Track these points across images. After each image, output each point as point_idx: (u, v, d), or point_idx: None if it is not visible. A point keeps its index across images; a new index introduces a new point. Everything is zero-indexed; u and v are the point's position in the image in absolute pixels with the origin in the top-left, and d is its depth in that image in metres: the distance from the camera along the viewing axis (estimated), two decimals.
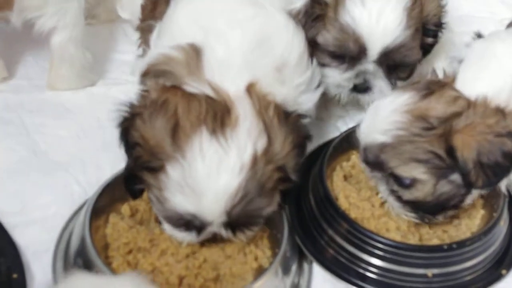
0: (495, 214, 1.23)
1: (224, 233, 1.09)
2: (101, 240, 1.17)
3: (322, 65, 1.37)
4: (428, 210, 1.18)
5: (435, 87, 1.17)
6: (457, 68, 1.22)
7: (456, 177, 1.14)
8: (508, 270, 1.23)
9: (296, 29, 1.22)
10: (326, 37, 1.35)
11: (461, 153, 1.11)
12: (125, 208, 1.23)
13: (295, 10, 1.31)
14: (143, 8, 1.45)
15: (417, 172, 1.14)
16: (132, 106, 1.11)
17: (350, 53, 1.34)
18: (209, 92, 1.07)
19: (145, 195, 1.24)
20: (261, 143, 1.05)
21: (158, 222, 1.23)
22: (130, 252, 1.15)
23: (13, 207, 1.29)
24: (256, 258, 1.17)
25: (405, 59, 1.36)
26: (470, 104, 1.14)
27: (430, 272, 1.15)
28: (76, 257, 1.15)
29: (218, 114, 1.04)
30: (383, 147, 1.15)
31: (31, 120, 1.50)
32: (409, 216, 1.20)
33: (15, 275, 1.14)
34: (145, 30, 1.38)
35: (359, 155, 1.24)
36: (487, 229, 1.19)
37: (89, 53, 1.58)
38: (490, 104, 1.14)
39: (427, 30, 1.38)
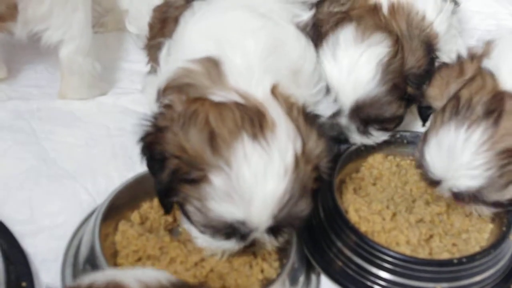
0: (504, 228, 1.23)
1: (267, 238, 1.09)
2: (110, 248, 1.17)
3: None
4: None
5: (498, 103, 1.14)
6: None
7: None
8: None
9: (307, 41, 1.23)
10: None
11: None
12: (134, 216, 1.24)
13: (303, 23, 1.31)
14: (151, 26, 1.44)
15: None
16: (155, 119, 1.09)
17: None
18: (238, 99, 1.06)
19: (155, 202, 1.25)
20: (299, 144, 1.05)
21: (168, 230, 1.24)
22: (139, 260, 1.15)
23: (22, 215, 1.29)
24: (262, 271, 1.17)
25: (381, 113, 1.32)
26: None
27: (439, 286, 1.15)
28: (85, 264, 1.15)
29: (254, 119, 1.03)
30: (477, 189, 1.16)
31: (41, 128, 1.50)
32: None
33: (24, 284, 1.15)
34: (154, 47, 1.38)
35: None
36: (496, 243, 1.19)
37: (98, 63, 1.58)
38: None
39: (410, 82, 1.34)
